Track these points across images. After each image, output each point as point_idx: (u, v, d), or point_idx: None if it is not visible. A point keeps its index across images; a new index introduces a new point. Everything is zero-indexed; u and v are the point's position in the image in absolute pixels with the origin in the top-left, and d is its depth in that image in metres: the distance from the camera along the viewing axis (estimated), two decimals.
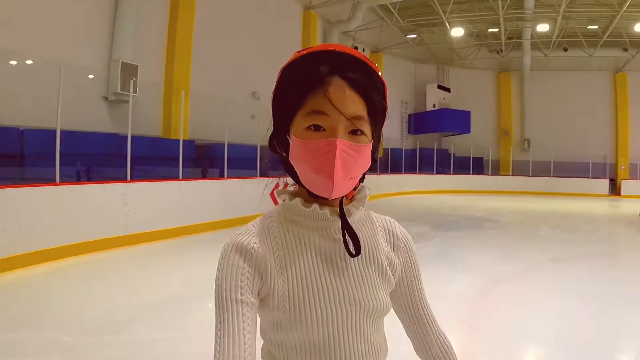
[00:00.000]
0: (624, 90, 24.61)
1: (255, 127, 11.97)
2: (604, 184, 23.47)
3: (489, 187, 23.17)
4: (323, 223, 0.87)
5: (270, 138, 0.90)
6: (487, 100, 26.17)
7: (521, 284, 6.03)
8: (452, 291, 5.60)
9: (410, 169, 22.73)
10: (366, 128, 0.81)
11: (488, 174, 24.40)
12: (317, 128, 0.79)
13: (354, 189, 0.90)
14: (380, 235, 0.96)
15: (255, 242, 0.83)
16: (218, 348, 0.75)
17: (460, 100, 25.13)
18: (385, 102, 0.85)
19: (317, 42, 17.44)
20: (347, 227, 0.85)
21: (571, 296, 5.37)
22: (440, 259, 7.46)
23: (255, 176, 11.55)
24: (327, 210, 0.86)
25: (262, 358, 0.91)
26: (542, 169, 23.96)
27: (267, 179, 1.06)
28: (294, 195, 0.89)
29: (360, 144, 0.80)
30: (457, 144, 24.69)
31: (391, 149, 22.04)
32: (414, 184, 21.64)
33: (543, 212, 15.25)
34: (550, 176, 23.77)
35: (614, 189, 23.69)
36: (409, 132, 25.13)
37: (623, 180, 23.57)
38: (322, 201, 0.85)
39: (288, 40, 16.17)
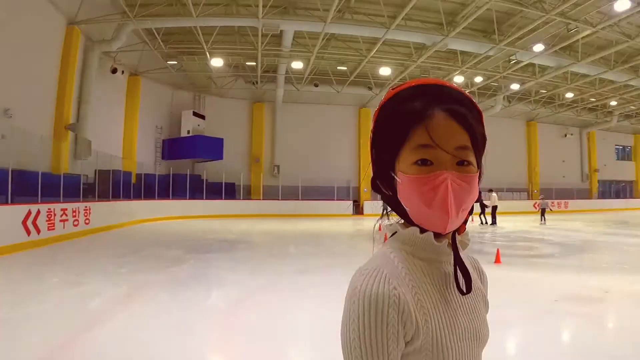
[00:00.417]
0: (366, 123, 29.01)
1: (5, 147, 10.91)
2: (348, 205, 26.65)
3: (242, 211, 24.11)
4: (440, 257, 0.86)
5: (373, 178, 0.89)
6: (241, 129, 27.55)
7: (270, 293, 6.79)
8: (209, 305, 6.12)
9: (164, 194, 22.14)
10: (472, 158, 0.81)
11: (240, 199, 25.36)
12: (424, 162, 0.79)
13: (464, 222, 0.89)
14: (472, 270, 0.97)
15: (394, 287, 0.76)
16: None
17: (214, 128, 25.75)
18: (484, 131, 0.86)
19: (77, 60, 16.31)
20: (459, 263, 0.85)
21: (314, 298, 6.36)
22: (197, 279, 7.74)
23: (5, 203, 10.28)
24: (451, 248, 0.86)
25: None
26: (291, 193, 26.10)
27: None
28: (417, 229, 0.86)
29: (469, 174, 0.80)
30: (210, 170, 25.21)
31: (144, 174, 21.21)
32: (167, 210, 21.27)
33: (292, 233, 16.53)
34: (299, 199, 25.97)
35: (358, 209, 27.18)
36: (163, 158, 24.75)
37: (365, 201, 27.23)
38: (436, 236, 0.84)
39: (46, 55, 14.63)
